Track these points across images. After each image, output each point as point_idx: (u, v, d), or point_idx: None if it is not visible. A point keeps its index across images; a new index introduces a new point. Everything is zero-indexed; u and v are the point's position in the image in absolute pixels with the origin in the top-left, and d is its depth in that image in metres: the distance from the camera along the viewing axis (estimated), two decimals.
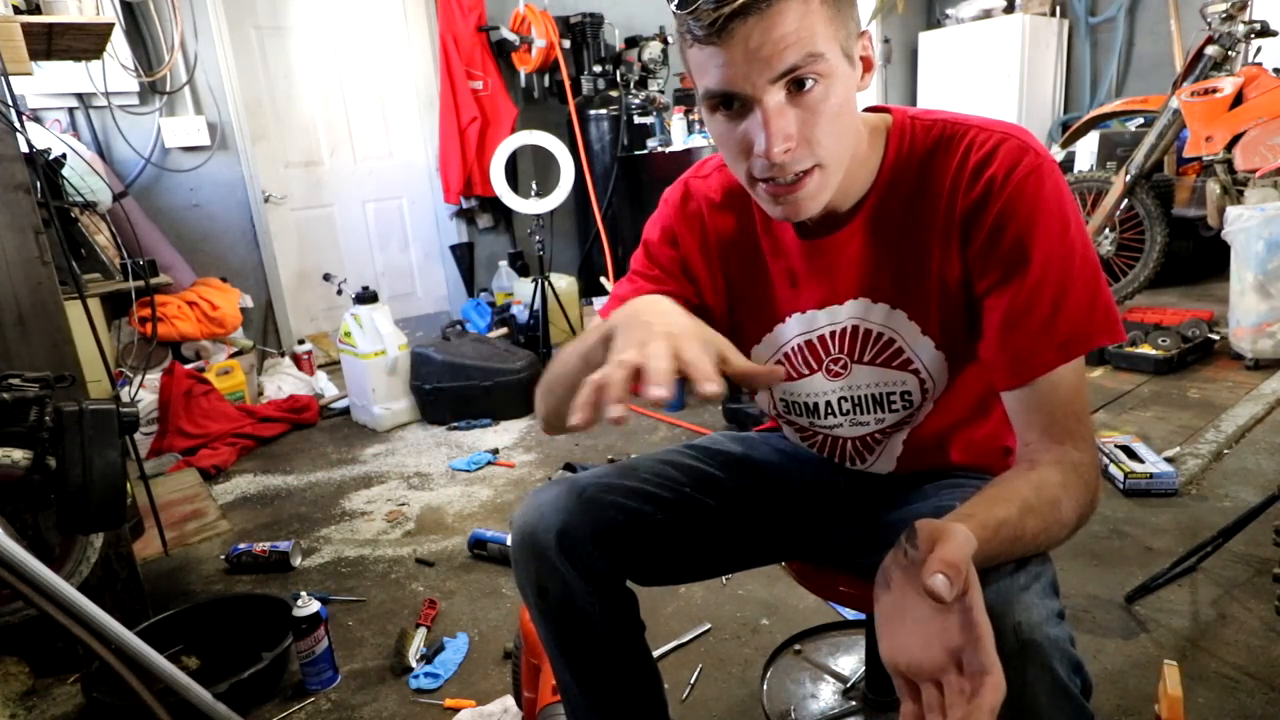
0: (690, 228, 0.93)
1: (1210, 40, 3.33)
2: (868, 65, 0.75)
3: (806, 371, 0.92)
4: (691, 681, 1.46)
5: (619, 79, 4.22)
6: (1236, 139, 3.19)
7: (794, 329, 0.90)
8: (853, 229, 0.83)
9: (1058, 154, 4.79)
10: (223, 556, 2.07)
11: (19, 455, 1.13)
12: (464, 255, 4.47)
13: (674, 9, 0.69)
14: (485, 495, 2.40)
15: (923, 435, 0.93)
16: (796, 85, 0.68)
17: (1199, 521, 1.86)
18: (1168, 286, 4.09)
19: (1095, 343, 0.74)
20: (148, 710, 1.09)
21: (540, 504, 0.87)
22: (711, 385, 0.60)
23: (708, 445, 1.05)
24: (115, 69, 3.18)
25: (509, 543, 1.94)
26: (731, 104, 0.70)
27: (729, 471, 1.00)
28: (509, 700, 1.41)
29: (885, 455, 0.96)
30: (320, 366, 3.81)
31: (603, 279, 4.13)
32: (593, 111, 4.14)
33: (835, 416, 0.93)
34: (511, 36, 4.19)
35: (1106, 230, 3.73)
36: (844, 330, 0.88)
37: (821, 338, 0.89)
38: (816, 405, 0.94)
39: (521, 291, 3.84)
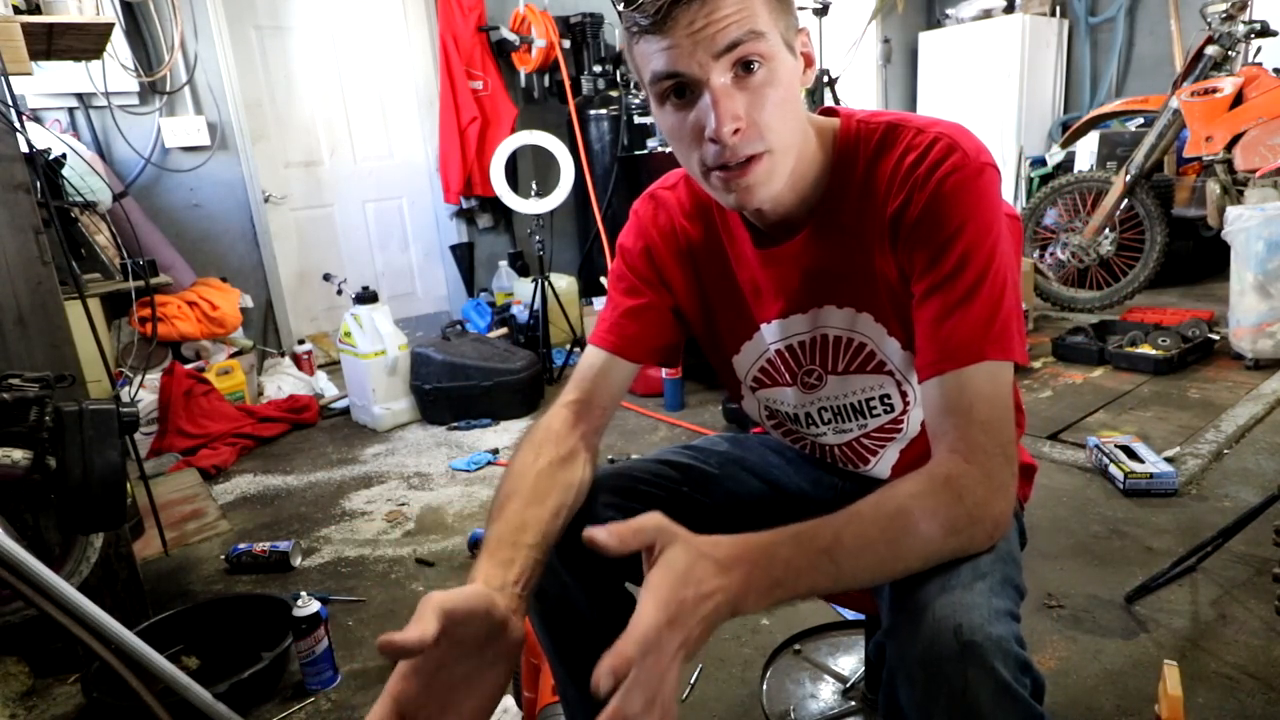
0: (663, 236, 0.93)
1: (1210, 40, 3.33)
2: (809, 61, 0.76)
3: (782, 382, 0.92)
4: (691, 681, 1.46)
5: (619, 79, 4.21)
6: (1236, 139, 3.20)
7: (766, 339, 0.91)
8: (805, 236, 0.83)
9: (1058, 154, 4.79)
10: (223, 556, 2.07)
11: (19, 455, 1.13)
12: (464, 255, 4.47)
13: (619, 7, 0.70)
14: (485, 495, 2.40)
15: (917, 447, 0.93)
16: (743, 68, 0.69)
17: (1199, 521, 1.86)
18: (1168, 286, 4.10)
19: (984, 356, 0.70)
20: (148, 710, 1.09)
21: None
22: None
23: (705, 445, 1.05)
24: (115, 69, 3.18)
25: None
26: (682, 93, 0.71)
27: (726, 471, 1.00)
28: (509, 700, 1.41)
29: (881, 465, 0.96)
30: (320, 366, 3.80)
31: (603, 279, 4.13)
32: (593, 111, 4.13)
33: (818, 426, 0.94)
34: (511, 36, 4.18)
35: (1106, 230, 3.73)
36: (813, 340, 0.88)
37: (791, 348, 0.89)
38: (798, 415, 0.94)
39: (521, 291, 3.84)
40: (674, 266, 0.93)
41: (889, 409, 0.89)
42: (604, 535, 0.60)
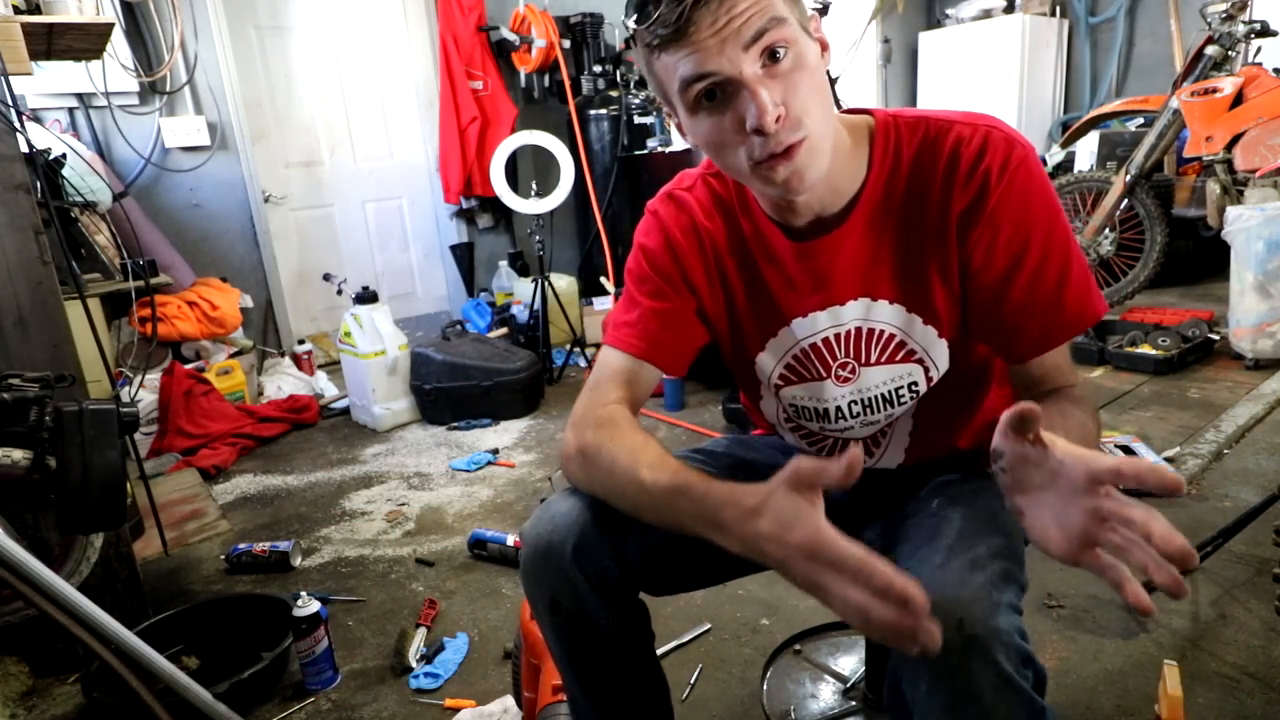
0: (686, 236, 0.91)
1: (1210, 40, 3.33)
2: (824, 45, 0.77)
3: (813, 377, 0.92)
4: (691, 681, 1.46)
5: (619, 79, 4.21)
6: (1236, 139, 3.19)
7: (799, 333, 0.90)
8: (846, 230, 0.83)
9: (1058, 154, 4.79)
10: (223, 556, 2.07)
11: (19, 455, 1.13)
12: (464, 255, 4.47)
13: (633, 25, 0.70)
14: (485, 495, 2.40)
15: (927, 420, 0.93)
16: (770, 57, 0.70)
17: (1199, 521, 1.86)
18: (1168, 286, 4.09)
19: (1098, 315, 0.80)
20: (148, 710, 1.09)
21: (554, 516, 0.85)
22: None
23: (713, 449, 1.05)
24: (115, 69, 3.18)
25: (509, 544, 1.94)
26: (713, 95, 0.71)
27: (737, 476, 0.99)
28: (509, 700, 1.41)
29: (893, 447, 0.96)
30: (320, 366, 3.81)
31: (603, 279, 4.13)
32: (593, 111, 4.13)
33: (846, 420, 0.94)
34: (511, 36, 4.18)
35: (1106, 230, 3.73)
36: (849, 333, 0.88)
37: (826, 340, 0.89)
38: (827, 410, 0.93)
39: (521, 291, 3.84)
40: (698, 267, 0.91)
41: (915, 394, 0.90)
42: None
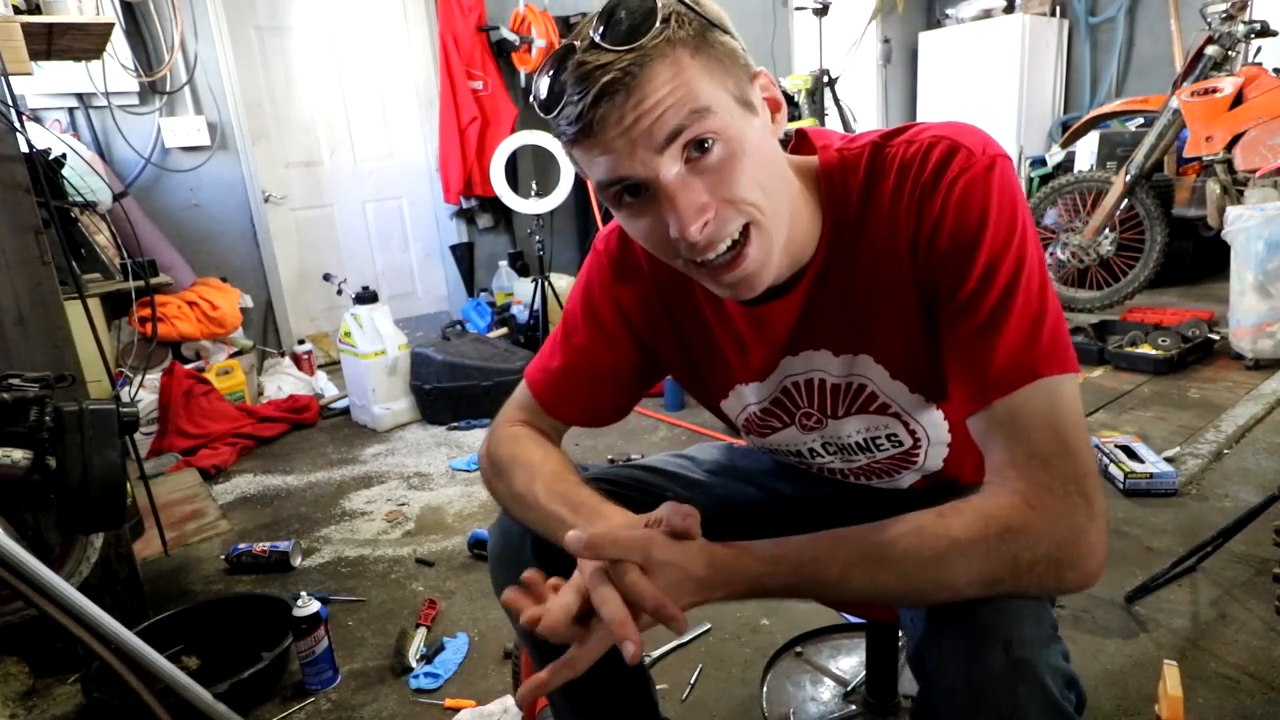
0: (629, 283, 0.85)
1: (1210, 40, 3.34)
2: (775, 106, 0.68)
3: (779, 426, 0.88)
4: (691, 681, 1.46)
5: None
6: (1236, 139, 3.19)
7: (751, 396, 0.86)
8: (798, 294, 0.76)
9: (1058, 154, 4.79)
10: (223, 556, 2.07)
11: (19, 455, 1.13)
12: (464, 255, 4.47)
13: (544, 115, 0.64)
14: (485, 495, 2.40)
15: (940, 477, 0.90)
16: (696, 149, 0.61)
17: (1199, 521, 1.86)
18: (1168, 286, 4.10)
19: (1038, 374, 0.61)
20: (148, 710, 1.09)
21: None
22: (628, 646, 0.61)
23: (697, 454, 1.04)
24: (115, 69, 3.18)
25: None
26: (637, 191, 0.63)
27: (719, 478, 0.98)
28: (509, 700, 1.41)
29: (898, 482, 0.93)
30: (320, 366, 3.81)
31: None
32: None
33: (823, 457, 0.91)
34: (511, 36, 4.19)
35: (1106, 230, 3.73)
36: (808, 383, 0.82)
37: (787, 390, 0.84)
38: (800, 450, 0.91)
39: (521, 291, 3.84)
40: (642, 318, 0.86)
41: (897, 445, 0.85)
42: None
